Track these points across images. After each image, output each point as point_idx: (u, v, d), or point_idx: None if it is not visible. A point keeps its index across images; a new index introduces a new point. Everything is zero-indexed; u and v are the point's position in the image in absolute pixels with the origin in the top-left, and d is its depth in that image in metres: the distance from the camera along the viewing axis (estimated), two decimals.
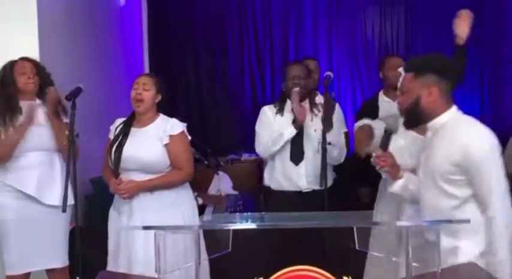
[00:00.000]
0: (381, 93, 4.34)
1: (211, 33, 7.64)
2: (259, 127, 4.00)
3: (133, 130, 3.43)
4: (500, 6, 7.21)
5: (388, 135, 2.72)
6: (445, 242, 2.43)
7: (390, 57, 4.56)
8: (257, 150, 4.01)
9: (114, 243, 3.43)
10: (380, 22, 7.68)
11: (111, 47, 6.00)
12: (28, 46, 3.94)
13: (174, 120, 3.47)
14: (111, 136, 3.47)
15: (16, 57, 3.59)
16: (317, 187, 3.82)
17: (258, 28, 7.70)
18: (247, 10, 7.71)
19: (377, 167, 2.80)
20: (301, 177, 3.88)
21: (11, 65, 3.53)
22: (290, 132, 3.84)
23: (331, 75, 3.92)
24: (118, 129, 3.46)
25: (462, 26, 3.61)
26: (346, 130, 4.85)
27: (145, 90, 3.42)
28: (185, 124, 3.49)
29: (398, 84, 3.38)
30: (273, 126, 3.93)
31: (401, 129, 3.13)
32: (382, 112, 4.32)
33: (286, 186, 3.91)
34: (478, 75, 7.46)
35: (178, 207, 3.43)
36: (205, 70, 7.62)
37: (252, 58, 7.66)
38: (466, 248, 2.49)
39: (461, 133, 2.48)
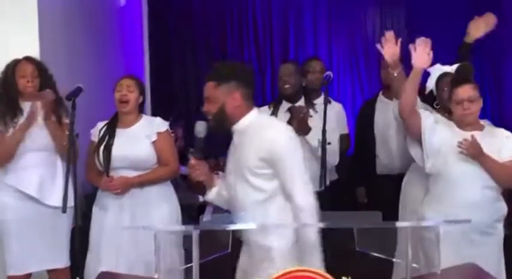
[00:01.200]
0: (380, 94, 4.34)
1: (211, 34, 7.64)
2: None
3: (118, 131, 3.50)
4: (500, 6, 7.19)
5: (199, 140, 2.76)
6: (259, 242, 2.60)
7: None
8: None
9: (96, 241, 3.48)
10: (380, 22, 7.67)
11: (112, 47, 6.00)
12: (28, 47, 3.94)
13: (159, 119, 3.58)
14: (95, 139, 3.51)
15: (16, 57, 3.59)
16: (315, 189, 3.81)
17: (258, 28, 7.70)
18: (247, 10, 7.71)
19: (192, 175, 2.83)
20: None
21: (13, 66, 3.53)
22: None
23: (331, 75, 3.92)
24: (102, 131, 3.50)
25: (481, 27, 3.59)
26: (347, 132, 4.84)
27: (130, 92, 3.50)
28: (168, 122, 3.60)
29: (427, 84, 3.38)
30: None
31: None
32: (378, 114, 4.33)
33: None
34: (479, 77, 7.44)
35: (164, 205, 3.53)
36: (205, 70, 7.59)
37: (252, 58, 7.65)
38: (278, 249, 2.58)
39: (266, 130, 2.62)
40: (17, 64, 3.54)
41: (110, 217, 3.44)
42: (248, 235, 2.64)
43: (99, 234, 3.47)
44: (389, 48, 3.36)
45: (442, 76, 3.43)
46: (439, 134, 3.10)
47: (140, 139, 3.44)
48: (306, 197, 2.59)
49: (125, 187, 3.40)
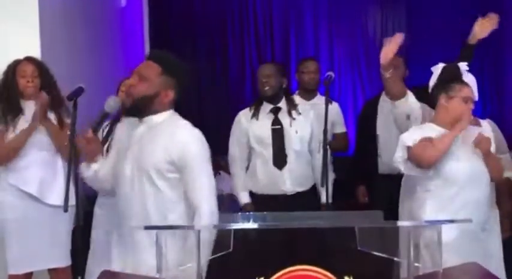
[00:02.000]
0: (383, 93, 4.34)
1: (212, 34, 7.64)
2: (231, 138, 4.00)
3: None
4: (501, 6, 7.19)
5: (104, 115, 2.62)
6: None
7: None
8: (231, 170, 4.04)
9: (97, 241, 3.50)
10: (381, 22, 7.68)
11: (112, 48, 6.00)
12: (29, 46, 3.95)
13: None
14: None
15: (17, 57, 3.59)
16: (301, 189, 3.82)
17: (259, 28, 7.71)
18: (248, 10, 7.71)
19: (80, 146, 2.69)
20: (285, 181, 3.84)
21: (14, 66, 3.54)
22: (244, 200, 3.91)
23: (333, 75, 3.90)
24: (105, 131, 3.49)
25: (486, 27, 3.60)
26: (344, 130, 4.85)
27: None
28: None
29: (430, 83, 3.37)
30: (249, 138, 3.89)
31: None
32: (380, 113, 4.33)
33: (270, 190, 3.86)
34: (479, 77, 7.43)
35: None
36: (206, 70, 7.62)
37: (253, 58, 7.66)
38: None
39: (180, 132, 2.57)
40: (17, 64, 3.55)
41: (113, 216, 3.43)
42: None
43: (98, 235, 3.46)
44: (390, 48, 3.34)
45: None
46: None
47: None
48: (212, 207, 2.55)
49: None
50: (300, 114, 3.89)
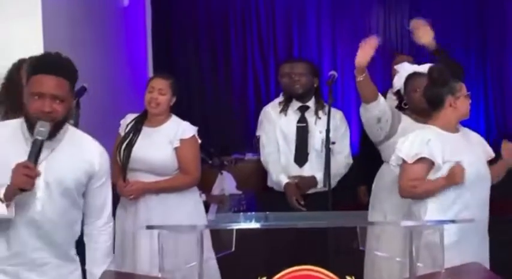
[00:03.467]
0: (389, 92, 4.32)
1: (214, 34, 7.64)
2: (262, 134, 3.96)
3: (144, 129, 3.45)
4: (503, 7, 7.19)
5: (37, 143, 2.26)
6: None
7: (398, 55, 4.56)
8: (261, 158, 3.99)
9: (120, 243, 3.45)
10: (384, 21, 7.66)
11: (115, 47, 6.00)
12: (32, 45, 3.94)
13: (186, 124, 3.49)
14: (122, 132, 3.48)
15: (20, 56, 3.59)
16: (321, 189, 3.82)
17: (261, 28, 7.69)
18: (250, 10, 7.70)
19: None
20: None
21: (18, 66, 3.54)
22: (279, 184, 3.85)
23: (336, 74, 3.91)
24: (129, 126, 3.47)
25: (424, 35, 3.60)
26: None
27: (162, 95, 3.41)
28: (196, 128, 3.51)
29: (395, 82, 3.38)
30: (276, 131, 3.89)
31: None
32: None
33: None
34: (482, 79, 7.42)
35: (183, 208, 3.45)
36: (208, 69, 7.62)
37: (255, 58, 7.65)
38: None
39: (88, 145, 2.50)
40: (21, 64, 3.55)
41: (130, 220, 3.43)
42: None
43: (121, 236, 3.44)
44: (365, 51, 3.36)
45: (412, 76, 3.43)
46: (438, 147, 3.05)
47: (163, 144, 3.39)
48: (111, 219, 2.57)
49: (139, 193, 3.35)
50: (326, 114, 3.88)
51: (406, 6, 7.63)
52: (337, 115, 3.93)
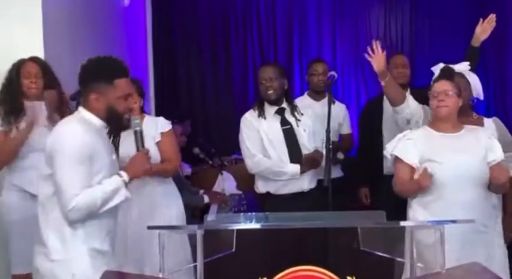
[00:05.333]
0: None
1: (215, 34, 7.64)
2: (246, 141, 3.88)
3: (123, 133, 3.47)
4: (503, 6, 7.18)
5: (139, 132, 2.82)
6: None
7: (394, 55, 4.56)
8: (248, 166, 3.92)
9: (119, 242, 3.47)
10: (384, 21, 7.66)
11: (115, 47, 6.00)
12: (33, 46, 3.95)
13: (162, 119, 3.65)
14: None
15: (21, 57, 3.60)
16: (313, 185, 3.84)
17: (262, 28, 7.70)
18: (251, 11, 7.71)
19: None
20: (304, 177, 3.86)
21: (18, 66, 3.55)
22: (294, 172, 3.81)
23: (336, 74, 3.91)
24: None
25: (486, 29, 3.61)
26: (350, 131, 4.86)
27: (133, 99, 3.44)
28: (170, 122, 3.68)
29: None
30: (259, 135, 3.86)
31: None
32: (386, 112, 4.31)
33: (290, 189, 3.85)
34: (483, 77, 7.41)
35: (171, 206, 3.60)
36: (209, 70, 7.62)
37: (256, 58, 7.65)
38: None
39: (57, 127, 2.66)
40: (21, 64, 3.56)
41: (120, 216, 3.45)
42: None
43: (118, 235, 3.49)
44: (377, 57, 3.37)
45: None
46: (419, 144, 3.08)
47: (146, 141, 3.42)
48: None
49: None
50: (302, 114, 3.90)
51: (406, 7, 7.64)
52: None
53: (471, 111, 3.45)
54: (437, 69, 3.43)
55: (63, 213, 2.51)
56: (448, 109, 3.06)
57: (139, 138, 2.74)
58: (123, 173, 2.60)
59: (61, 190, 2.49)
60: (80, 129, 2.54)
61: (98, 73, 2.61)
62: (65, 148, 2.50)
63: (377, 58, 3.41)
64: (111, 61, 2.70)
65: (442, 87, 3.06)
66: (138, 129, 2.73)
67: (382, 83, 3.41)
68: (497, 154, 3.06)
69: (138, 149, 2.73)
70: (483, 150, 3.06)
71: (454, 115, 3.11)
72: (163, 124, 3.59)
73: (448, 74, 3.20)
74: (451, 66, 3.39)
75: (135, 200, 3.43)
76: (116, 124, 2.67)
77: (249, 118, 3.93)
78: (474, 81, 3.40)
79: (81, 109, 2.64)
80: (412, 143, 3.07)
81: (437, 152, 3.01)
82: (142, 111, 3.65)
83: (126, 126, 2.74)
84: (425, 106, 3.43)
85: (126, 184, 2.60)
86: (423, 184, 2.94)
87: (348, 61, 7.61)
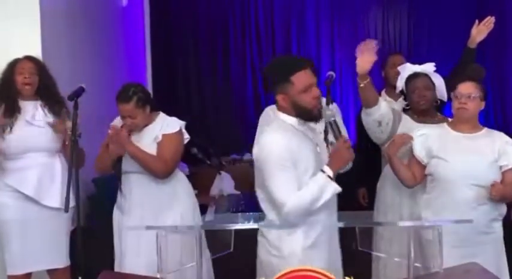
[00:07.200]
0: (383, 93, 4.32)
1: (213, 35, 7.64)
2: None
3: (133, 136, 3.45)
4: (502, 6, 7.18)
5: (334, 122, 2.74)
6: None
7: (392, 55, 4.53)
8: None
9: (118, 242, 3.47)
10: (382, 22, 7.68)
11: (114, 47, 6.00)
12: (30, 46, 3.94)
13: (173, 119, 3.49)
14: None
15: (19, 55, 3.59)
16: None
17: (260, 29, 7.71)
18: (249, 11, 7.71)
19: None
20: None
21: (13, 64, 3.53)
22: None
23: (334, 74, 3.89)
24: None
25: (483, 30, 3.61)
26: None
27: (132, 118, 3.38)
28: (183, 123, 3.50)
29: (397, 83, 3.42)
30: None
31: None
32: None
33: None
34: (483, 83, 7.40)
35: (177, 208, 3.45)
36: (207, 71, 7.62)
37: (254, 58, 7.66)
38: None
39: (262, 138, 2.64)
40: (16, 63, 3.54)
41: (125, 219, 3.44)
42: None
43: (119, 236, 3.46)
44: (366, 57, 3.36)
45: (412, 77, 3.44)
46: (430, 141, 3.10)
47: (148, 145, 3.38)
48: None
49: (120, 138, 3.31)
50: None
51: (404, 7, 7.65)
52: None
53: (435, 112, 3.48)
54: (403, 69, 3.45)
55: (280, 220, 2.55)
56: (469, 113, 3.05)
57: (334, 127, 2.67)
58: (326, 168, 2.60)
59: (274, 199, 2.53)
60: (280, 137, 2.56)
61: (275, 74, 2.65)
62: (269, 159, 2.54)
63: (364, 60, 3.38)
64: (283, 60, 2.85)
65: (466, 89, 3.04)
66: (332, 119, 2.67)
67: (361, 85, 3.41)
68: (510, 159, 3.04)
69: (336, 139, 2.67)
70: (495, 153, 3.03)
71: (475, 118, 3.10)
72: (168, 125, 3.44)
73: (475, 74, 3.19)
74: (418, 66, 3.43)
75: (144, 200, 3.43)
76: (308, 117, 2.64)
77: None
78: (439, 82, 3.41)
79: (278, 112, 2.69)
80: (423, 138, 3.10)
81: (447, 151, 3.00)
82: (157, 109, 3.51)
83: (318, 116, 2.66)
84: (396, 110, 3.46)
85: (331, 178, 2.61)
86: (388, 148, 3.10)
87: (346, 61, 7.62)
